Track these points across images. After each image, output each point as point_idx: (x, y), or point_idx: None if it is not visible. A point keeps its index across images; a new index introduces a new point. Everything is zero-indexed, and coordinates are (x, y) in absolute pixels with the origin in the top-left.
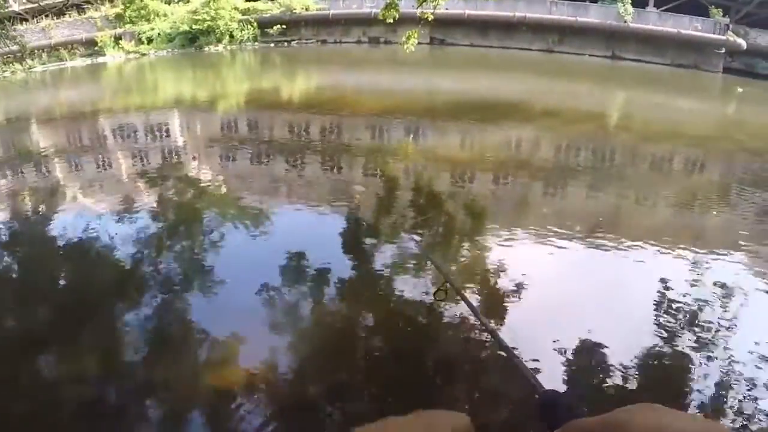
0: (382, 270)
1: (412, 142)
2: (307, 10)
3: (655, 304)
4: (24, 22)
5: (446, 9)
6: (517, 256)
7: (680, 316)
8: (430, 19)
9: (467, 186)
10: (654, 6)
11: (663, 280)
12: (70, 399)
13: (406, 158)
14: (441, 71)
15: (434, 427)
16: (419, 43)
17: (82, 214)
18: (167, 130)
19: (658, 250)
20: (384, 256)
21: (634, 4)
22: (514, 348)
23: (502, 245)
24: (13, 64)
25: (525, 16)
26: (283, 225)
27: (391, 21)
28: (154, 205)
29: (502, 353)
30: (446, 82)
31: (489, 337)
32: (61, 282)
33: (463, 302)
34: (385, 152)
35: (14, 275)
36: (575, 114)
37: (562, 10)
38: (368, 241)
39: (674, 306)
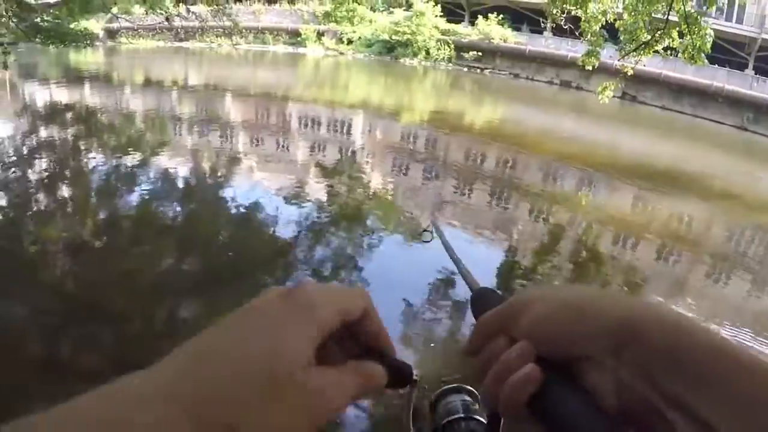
0: None
1: (583, 194)
2: (504, 41)
3: None
4: (238, 2)
5: (644, 66)
6: None
7: None
8: (629, 74)
9: (628, 251)
10: None
11: None
12: None
13: (573, 209)
14: (627, 128)
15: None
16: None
17: (254, 185)
18: (349, 129)
19: None
20: None
21: None
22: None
23: None
24: (222, 39)
25: (723, 87)
26: (438, 245)
27: (590, 68)
28: (322, 194)
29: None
30: (631, 141)
31: None
32: (217, 242)
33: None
34: (554, 198)
35: (178, 226)
36: (758, 202)
37: (764, 87)
38: (517, 281)
39: None
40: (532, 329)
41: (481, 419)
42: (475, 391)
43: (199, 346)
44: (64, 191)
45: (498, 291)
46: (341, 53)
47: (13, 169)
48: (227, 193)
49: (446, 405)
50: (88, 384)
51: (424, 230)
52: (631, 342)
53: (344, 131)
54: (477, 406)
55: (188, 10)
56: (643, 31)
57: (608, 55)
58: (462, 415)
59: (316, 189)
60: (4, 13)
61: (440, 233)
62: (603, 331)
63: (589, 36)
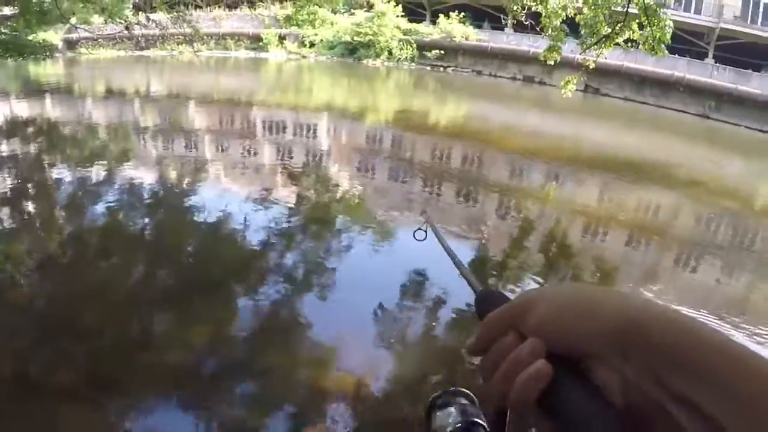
0: None
1: (550, 188)
2: (466, 39)
3: None
4: (198, 9)
5: (605, 58)
6: None
7: None
8: (591, 67)
9: (597, 242)
10: None
11: None
12: (170, 361)
13: (540, 202)
14: (590, 121)
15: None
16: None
17: (221, 193)
18: (314, 131)
19: None
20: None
21: None
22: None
23: None
24: (184, 46)
25: (684, 77)
26: (409, 244)
27: (552, 63)
28: (290, 199)
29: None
30: (594, 133)
31: None
32: (188, 251)
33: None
34: (521, 193)
35: (147, 237)
36: (722, 188)
37: (724, 76)
38: (493, 281)
39: None
40: (542, 327)
41: (482, 422)
42: (470, 393)
43: None
44: (29, 206)
45: (502, 293)
46: (304, 56)
47: None
48: (195, 201)
49: (444, 414)
50: (62, 401)
51: (418, 228)
52: (637, 340)
53: (309, 134)
54: (476, 409)
55: (148, 18)
56: (604, 24)
57: (570, 49)
58: (460, 424)
59: (284, 194)
60: None
61: (436, 232)
62: (610, 329)
63: (550, 31)
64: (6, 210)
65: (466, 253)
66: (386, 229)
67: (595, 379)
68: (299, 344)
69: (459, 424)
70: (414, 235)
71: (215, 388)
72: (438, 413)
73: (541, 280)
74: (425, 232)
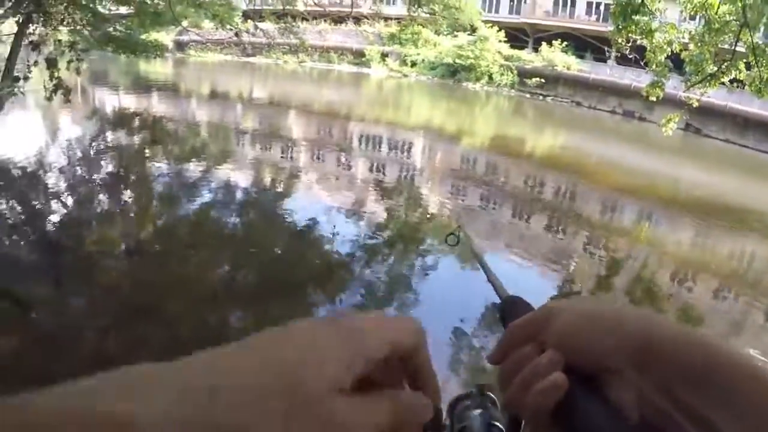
0: None
1: (641, 227)
2: (568, 68)
3: None
4: (305, 21)
5: (708, 97)
6: None
7: None
8: (694, 105)
9: (684, 288)
10: None
11: None
12: None
13: (630, 242)
14: (690, 161)
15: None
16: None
17: (312, 201)
18: (409, 150)
19: None
20: None
21: None
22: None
23: None
24: (288, 55)
25: None
26: (495, 270)
27: (654, 99)
28: (379, 214)
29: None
30: (693, 174)
31: None
32: (273, 254)
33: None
34: (611, 230)
35: (235, 236)
36: None
37: None
38: None
39: None
40: (561, 339)
41: (501, 426)
42: (493, 395)
43: (220, 359)
44: (126, 194)
45: (526, 300)
46: (404, 75)
47: (79, 170)
48: (285, 206)
49: (466, 414)
50: None
51: (451, 233)
52: (653, 356)
53: (404, 152)
54: (497, 412)
55: (256, 27)
56: (710, 62)
57: (673, 85)
58: (480, 425)
59: (374, 208)
60: (79, 22)
61: (468, 238)
62: (629, 344)
63: (654, 66)
64: (104, 196)
65: (548, 285)
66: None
67: (611, 393)
68: None
69: (479, 426)
70: (446, 240)
71: None
72: (460, 413)
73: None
74: (457, 237)
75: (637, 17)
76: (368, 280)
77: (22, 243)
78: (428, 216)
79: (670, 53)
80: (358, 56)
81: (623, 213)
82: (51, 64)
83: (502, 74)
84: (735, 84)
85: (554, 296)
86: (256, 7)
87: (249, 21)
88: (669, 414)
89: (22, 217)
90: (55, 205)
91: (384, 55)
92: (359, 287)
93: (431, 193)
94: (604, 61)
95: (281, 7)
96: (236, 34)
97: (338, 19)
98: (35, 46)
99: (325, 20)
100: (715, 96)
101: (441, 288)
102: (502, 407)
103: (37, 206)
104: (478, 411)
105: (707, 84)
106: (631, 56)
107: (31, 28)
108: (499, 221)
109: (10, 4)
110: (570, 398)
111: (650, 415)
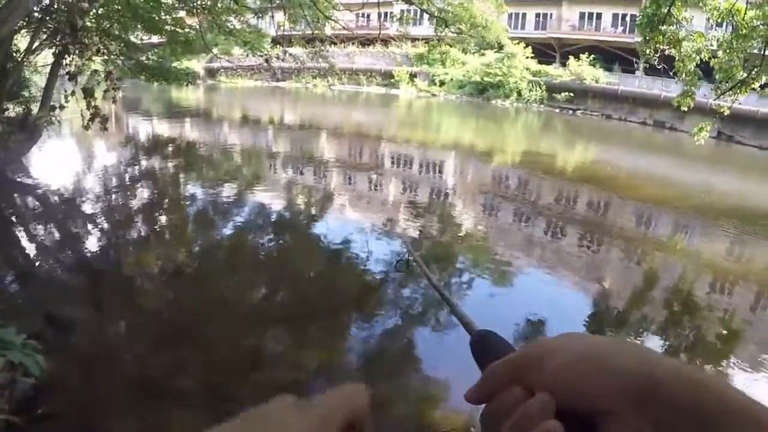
0: None
1: (677, 239)
2: (596, 81)
3: None
4: (333, 45)
5: (740, 104)
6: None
7: None
8: (725, 113)
9: (723, 300)
10: None
11: None
12: (281, 379)
13: (666, 254)
14: (723, 170)
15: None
16: None
17: (345, 222)
18: (440, 169)
19: None
20: None
21: None
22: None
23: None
24: (318, 79)
25: None
26: (528, 287)
27: (685, 109)
28: (412, 233)
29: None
30: (727, 183)
31: None
32: (308, 276)
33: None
34: (646, 243)
35: (270, 258)
36: None
37: None
38: (610, 332)
39: None
40: (553, 381)
41: None
42: None
43: None
44: (162, 218)
45: (500, 335)
46: (433, 94)
47: (115, 195)
48: (319, 228)
49: None
50: (178, 404)
51: (399, 260)
52: (652, 397)
53: (435, 171)
54: None
55: (285, 52)
56: (739, 68)
57: (703, 93)
58: None
59: (406, 228)
60: (113, 52)
61: (419, 264)
62: (624, 384)
63: (683, 75)
64: (141, 220)
65: (582, 300)
66: (506, 270)
67: None
68: (409, 378)
69: None
70: (395, 266)
71: None
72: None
73: (661, 336)
74: (405, 263)
75: (663, 27)
76: (402, 299)
77: (62, 267)
78: (459, 236)
79: (699, 62)
80: (387, 77)
81: (658, 225)
82: (88, 93)
83: (530, 90)
84: (766, 89)
85: (590, 311)
86: (285, 33)
87: (278, 46)
88: None
89: (62, 241)
90: (93, 229)
91: (412, 76)
92: (393, 308)
93: (463, 211)
94: (633, 72)
95: (310, 32)
96: (266, 60)
97: (366, 42)
98: (72, 77)
99: (353, 43)
100: (746, 102)
101: (478, 306)
102: None
103: (76, 231)
104: None
105: (738, 91)
106: (659, 66)
107: (67, 59)
108: (533, 237)
109: (46, 36)
110: None
111: None
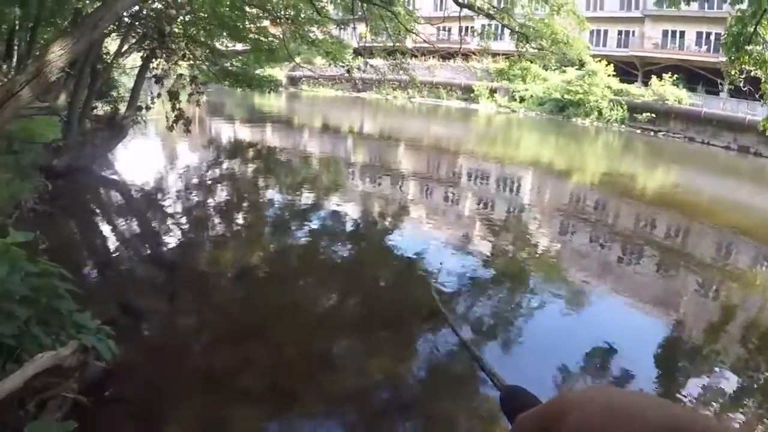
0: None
1: (758, 271)
2: (679, 102)
3: None
4: (414, 58)
5: None
6: None
7: None
8: None
9: None
10: None
11: None
12: (345, 385)
13: (746, 286)
14: None
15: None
16: None
17: (419, 234)
18: (518, 186)
19: None
20: (696, 386)
21: None
22: None
23: None
24: (398, 91)
25: None
26: (600, 313)
27: None
28: (486, 250)
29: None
30: None
31: None
32: (380, 284)
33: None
34: (726, 273)
35: (342, 265)
36: None
37: None
38: (683, 365)
39: None
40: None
41: None
42: None
43: None
44: (239, 219)
45: (527, 390)
46: (513, 110)
47: (194, 194)
48: (393, 239)
49: None
50: (242, 401)
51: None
52: None
53: (512, 188)
54: None
55: (367, 63)
56: None
57: None
58: None
59: (481, 244)
60: (199, 57)
61: (449, 320)
62: None
63: None
64: (218, 219)
65: (656, 330)
66: (579, 294)
67: None
68: (471, 394)
69: None
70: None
71: (380, 420)
72: None
73: (734, 374)
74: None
75: (750, 47)
76: (473, 315)
77: (140, 259)
78: (534, 255)
79: None
80: (467, 92)
81: (738, 255)
82: (173, 96)
83: (611, 109)
84: None
85: (663, 341)
86: (367, 44)
87: (360, 57)
88: None
89: (141, 235)
90: (171, 225)
91: (492, 91)
92: (463, 323)
93: (539, 231)
94: (717, 93)
95: (391, 44)
96: (347, 71)
97: (447, 56)
98: (158, 80)
99: (433, 57)
100: None
101: (546, 331)
102: None
103: (155, 225)
104: None
105: None
106: (745, 88)
107: (154, 62)
108: (609, 260)
109: (134, 40)
110: None
111: None
